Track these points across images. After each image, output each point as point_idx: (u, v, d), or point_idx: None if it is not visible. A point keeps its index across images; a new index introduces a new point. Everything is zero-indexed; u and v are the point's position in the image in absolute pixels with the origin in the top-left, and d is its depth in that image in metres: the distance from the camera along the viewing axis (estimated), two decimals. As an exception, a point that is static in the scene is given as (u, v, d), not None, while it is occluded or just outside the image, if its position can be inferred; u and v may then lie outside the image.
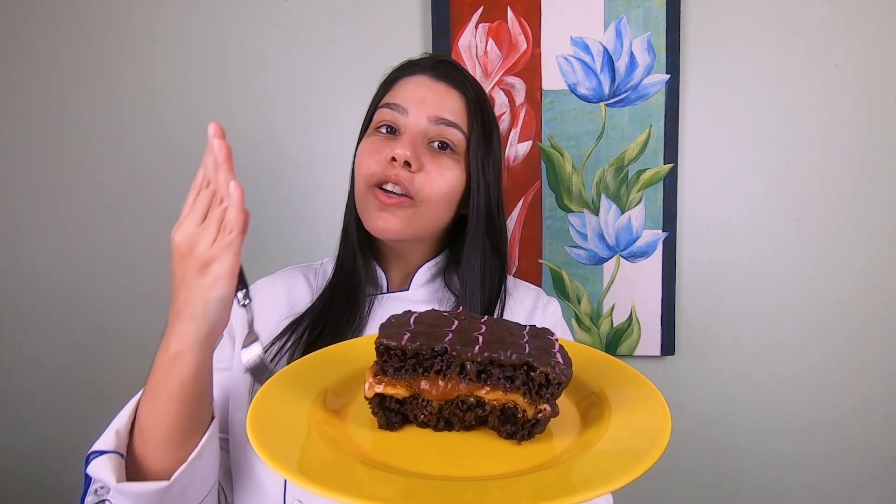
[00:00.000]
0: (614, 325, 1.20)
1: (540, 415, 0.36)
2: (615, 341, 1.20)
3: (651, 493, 1.24)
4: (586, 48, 1.14)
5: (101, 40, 1.22)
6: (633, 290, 1.18)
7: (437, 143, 0.72)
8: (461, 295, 0.74)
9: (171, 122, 1.23)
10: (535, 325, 0.42)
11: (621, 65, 1.14)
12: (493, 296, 0.76)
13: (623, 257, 1.18)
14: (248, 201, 0.52)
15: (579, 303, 1.20)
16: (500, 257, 0.77)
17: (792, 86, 1.15)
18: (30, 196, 1.26)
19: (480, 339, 0.37)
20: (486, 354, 0.35)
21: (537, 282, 1.20)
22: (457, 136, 0.72)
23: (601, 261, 1.19)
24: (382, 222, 0.70)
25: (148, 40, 1.22)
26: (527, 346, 0.37)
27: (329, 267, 0.80)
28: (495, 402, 0.36)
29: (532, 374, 0.35)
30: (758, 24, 1.14)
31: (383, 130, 0.73)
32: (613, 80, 1.14)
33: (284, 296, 0.78)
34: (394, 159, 0.69)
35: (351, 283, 0.75)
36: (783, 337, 1.21)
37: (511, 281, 0.83)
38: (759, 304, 1.20)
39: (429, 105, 0.71)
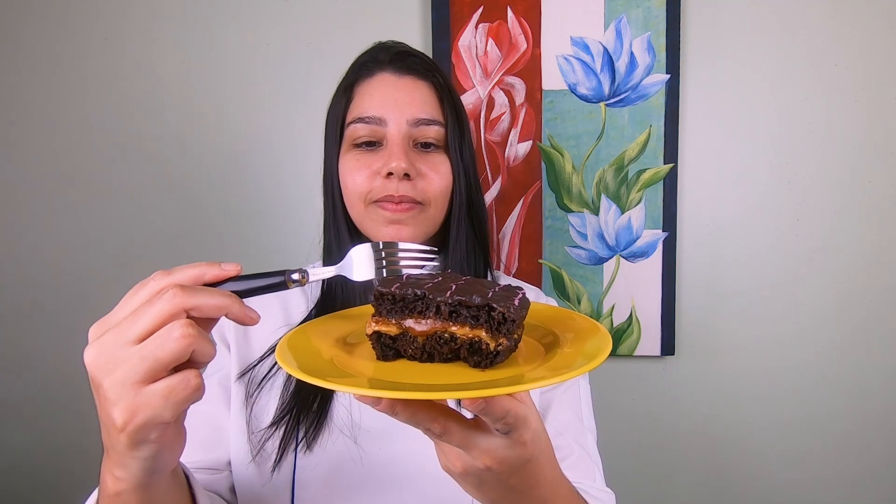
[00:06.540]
0: (614, 325, 1.20)
1: (500, 347, 0.44)
2: (615, 341, 1.20)
3: (651, 491, 1.25)
4: (586, 48, 1.14)
5: (101, 40, 1.22)
6: (633, 290, 1.19)
7: (420, 144, 0.72)
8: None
9: (171, 122, 1.23)
10: (509, 285, 0.50)
11: (621, 65, 1.14)
12: (481, 275, 0.76)
13: (623, 257, 1.18)
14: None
15: (579, 303, 1.20)
16: (483, 237, 0.77)
17: (792, 86, 1.15)
18: (30, 196, 1.26)
19: (454, 286, 0.47)
20: (456, 298, 0.45)
21: (537, 282, 1.20)
22: (438, 132, 0.72)
23: (601, 261, 1.19)
24: (394, 232, 0.70)
25: (148, 40, 1.22)
26: (490, 292, 0.46)
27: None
28: (464, 337, 0.45)
29: (492, 313, 0.44)
30: (758, 24, 1.14)
31: (362, 145, 0.71)
32: (613, 80, 1.14)
33: (278, 305, 0.76)
34: (390, 174, 0.68)
35: (346, 297, 0.73)
36: (783, 337, 1.21)
37: (508, 281, 0.83)
38: (758, 303, 1.20)
39: (403, 106, 0.70)
